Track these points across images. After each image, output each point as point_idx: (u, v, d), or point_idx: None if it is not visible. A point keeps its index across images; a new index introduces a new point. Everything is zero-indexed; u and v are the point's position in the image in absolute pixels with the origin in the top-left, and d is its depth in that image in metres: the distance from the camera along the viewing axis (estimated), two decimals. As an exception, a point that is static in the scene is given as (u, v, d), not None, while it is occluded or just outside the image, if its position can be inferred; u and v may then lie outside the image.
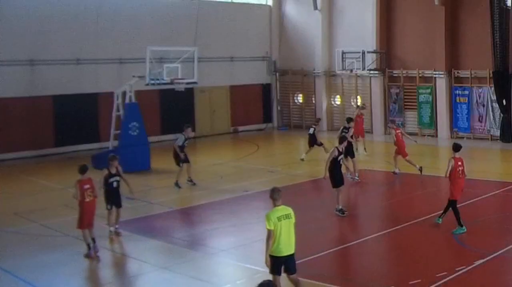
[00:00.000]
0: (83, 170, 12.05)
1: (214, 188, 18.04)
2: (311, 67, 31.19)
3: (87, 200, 11.92)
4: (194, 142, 26.75)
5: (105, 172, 13.08)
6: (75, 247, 12.60)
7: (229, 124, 30.97)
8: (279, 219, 8.82)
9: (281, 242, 8.83)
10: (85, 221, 11.92)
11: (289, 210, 9.01)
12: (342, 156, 14.85)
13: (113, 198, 13.15)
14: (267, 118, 32.78)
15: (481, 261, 10.94)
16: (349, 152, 18.29)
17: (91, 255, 11.74)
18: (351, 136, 18.86)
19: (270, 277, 10.74)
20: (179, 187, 17.85)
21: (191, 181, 18.32)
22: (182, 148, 18.00)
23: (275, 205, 8.93)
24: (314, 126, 22.49)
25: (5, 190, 18.13)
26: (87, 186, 11.95)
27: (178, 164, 18.10)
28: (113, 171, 13.07)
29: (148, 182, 18.93)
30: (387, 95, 28.87)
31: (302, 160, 21.94)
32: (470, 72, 26.26)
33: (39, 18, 23.77)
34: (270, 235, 8.76)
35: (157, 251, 12.56)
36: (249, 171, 20.41)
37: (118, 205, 13.30)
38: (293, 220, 8.98)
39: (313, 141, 21.93)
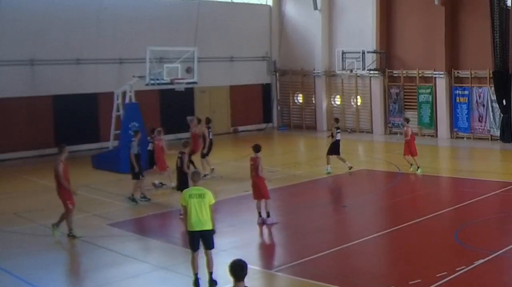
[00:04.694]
0: (254, 148, 14.11)
1: (214, 188, 17.98)
2: (311, 67, 31.20)
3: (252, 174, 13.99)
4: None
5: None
6: (75, 247, 12.62)
7: (229, 124, 30.98)
8: (190, 196, 10.00)
9: (191, 218, 9.97)
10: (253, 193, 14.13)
11: (204, 191, 10.07)
12: None
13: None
14: (267, 118, 32.79)
15: (481, 261, 10.94)
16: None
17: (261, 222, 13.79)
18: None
19: (270, 276, 10.79)
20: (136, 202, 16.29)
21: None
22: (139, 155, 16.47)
23: (192, 185, 10.30)
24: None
25: (5, 190, 18.14)
26: (251, 162, 13.95)
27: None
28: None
29: (148, 182, 18.90)
30: (387, 95, 28.88)
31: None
32: (470, 72, 26.26)
33: (39, 18, 23.78)
34: (184, 210, 10.17)
35: (157, 251, 12.57)
36: (249, 171, 20.34)
37: None
38: (207, 200, 9.99)
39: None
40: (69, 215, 13.03)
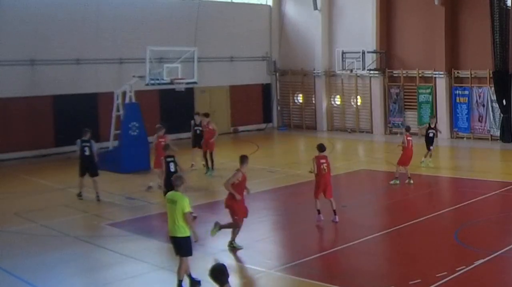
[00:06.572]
0: (321, 148, 14.02)
1: (214, 188, 18.03)
2: (311, 67, 31.20)
3: (323, 173, 13.83)
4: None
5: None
6: (75, 247, 12.63)
7: (229, 124, 30.97)
8: (167, 201, 9.93)
9: (168, 223, 9.92)
10: (318, 191, 13.91)
11: (177, 197, 9.71)
12: None
13: None
14: (267, 118, 32.78)
15: (481, 261, 10.95)
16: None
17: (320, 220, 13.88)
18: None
19: (270, 276, 10.78)
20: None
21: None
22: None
23: (174, 189, 9.97)
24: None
25: (5, 190, 18.13)
26: (323, 161, 13.81)
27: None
28: None
29: (148, 182, 18.91)
30: (387, 95, 28.88)
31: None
32: (470, 72, 26.27)
33: (39, 18, 23.75)
34: None
35: (157, 251, 12.56)
36: (249, 171, 20.19)
37: None
38: (177, 206, 9.63)
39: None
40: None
